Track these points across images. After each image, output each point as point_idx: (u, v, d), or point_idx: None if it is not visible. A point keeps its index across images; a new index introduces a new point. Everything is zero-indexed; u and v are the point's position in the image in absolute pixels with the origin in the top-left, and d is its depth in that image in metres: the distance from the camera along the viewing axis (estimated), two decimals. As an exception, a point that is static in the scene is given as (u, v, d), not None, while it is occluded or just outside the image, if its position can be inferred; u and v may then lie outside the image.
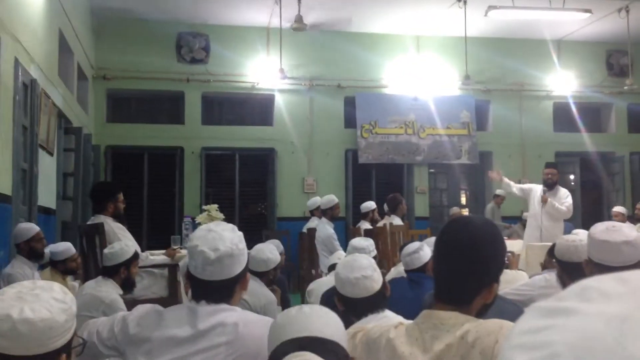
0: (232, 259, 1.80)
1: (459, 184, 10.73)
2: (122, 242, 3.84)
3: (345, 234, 8.42)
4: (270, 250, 3.73)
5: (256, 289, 3.38)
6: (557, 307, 0.43)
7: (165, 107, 9.89)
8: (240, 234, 1.90)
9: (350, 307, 2.27)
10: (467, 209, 10.61)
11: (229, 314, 1.81)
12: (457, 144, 9.96)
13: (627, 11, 8.67)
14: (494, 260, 1.50)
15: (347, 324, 2.10)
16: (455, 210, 9.87)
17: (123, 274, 3.49)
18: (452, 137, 9.94)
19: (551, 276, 3.05)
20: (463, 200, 10.87)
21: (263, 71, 9.33)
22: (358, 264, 2.29)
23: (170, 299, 4.04)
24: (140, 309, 1.89)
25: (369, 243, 3.64)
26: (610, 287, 0.43)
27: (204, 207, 5.43)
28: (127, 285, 3.54)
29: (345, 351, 1.42)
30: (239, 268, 1.84)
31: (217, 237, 1.81)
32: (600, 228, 2.30)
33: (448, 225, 1.58)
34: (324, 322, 1.44)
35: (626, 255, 2.19)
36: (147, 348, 1.76)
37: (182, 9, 8.85)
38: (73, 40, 7.41)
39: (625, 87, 9.53)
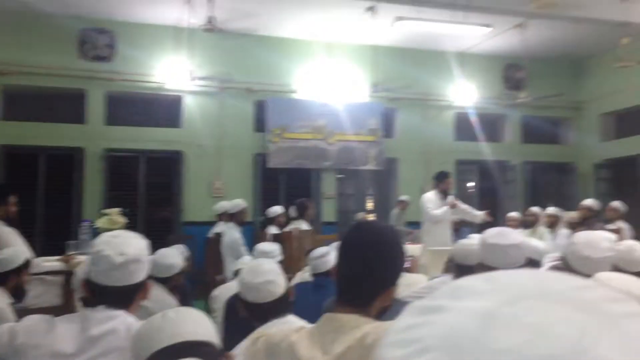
0: (137, 264, 1.81)
1: (366, 189, 10.97)
2: (12, 247, 3.63)
3: (253, 239, 8.37)
4: (174, 256, 3.65)
5: (158, 295, 3.29)
6: (430, 306, 0.46)
7: (65, 105, 9.41)
8: (145, 242, 1.90)
9: (253, 312, 2.26)
10: (373, 214, 10.85)
11: (122, 320, 1.78)
12: (365, 150, 10.18)
13: (524, 28, 9.23)
14: (393, 264, 1.54)
15: (250, 330, 2.09)
16: (361, 215, 10.07)
17: (13, 281, 3.30)
18: (360, 143, 10.15)
19: (449, 279, 3.18)
20: (370, 205, 11.11)
21: (171, 71, 9.11)
22: (262, 269, 2.29)
23: (64, 308, 3.85)
24: (30, 318, 1.85)
25: (274, 248, 3.67)
26: (478, 286, 0.46)
27: (105, 211, 5.22)
28: (18, 294, 3.36)
29: (217, 348, 1.41)
30: (142, 275, 1.84)
31: (124, 242, 1.81)
32: (491, 233, 2.45)
33: (350, 229, 1.62)
34: (193, 323, 1.41)
35: (512, 258, 2.34)
36: (35, 356, 1.69)
37: (85, 3, 8.45)
38: (-38, 30, 6.90)
39: (519, 100, 10.14)
